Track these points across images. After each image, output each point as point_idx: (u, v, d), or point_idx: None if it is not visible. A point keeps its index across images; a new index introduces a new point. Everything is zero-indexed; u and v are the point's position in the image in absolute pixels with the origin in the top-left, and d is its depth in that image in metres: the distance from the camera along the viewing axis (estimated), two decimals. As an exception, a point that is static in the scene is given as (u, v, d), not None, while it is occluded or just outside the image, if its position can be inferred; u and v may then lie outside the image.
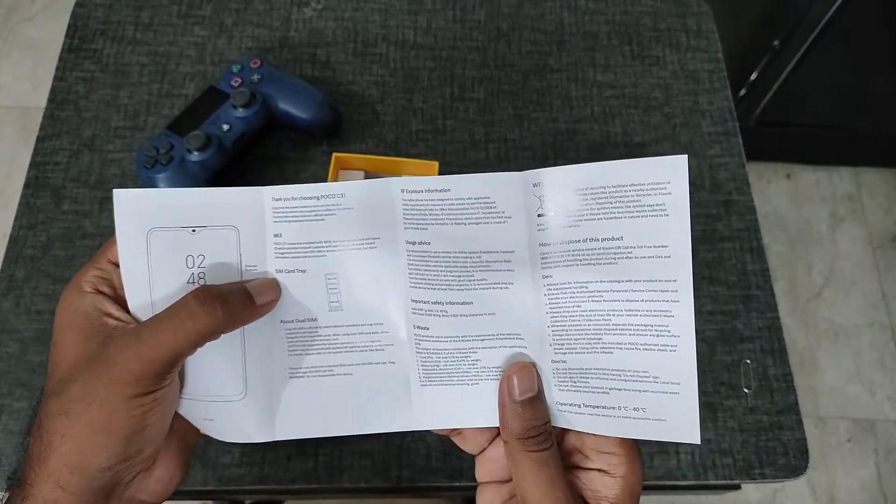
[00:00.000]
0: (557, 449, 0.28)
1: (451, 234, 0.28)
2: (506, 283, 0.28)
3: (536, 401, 0.28)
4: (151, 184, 0.49)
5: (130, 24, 0.60)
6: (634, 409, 0.27)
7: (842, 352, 1.24)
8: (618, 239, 0.26)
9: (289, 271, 0.29)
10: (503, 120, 0.57)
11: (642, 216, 0.26)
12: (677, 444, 0.46)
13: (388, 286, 0.29)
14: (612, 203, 0.26)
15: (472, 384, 0.29)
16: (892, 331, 1.26)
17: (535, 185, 0.27)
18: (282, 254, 0.29)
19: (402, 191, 0.28)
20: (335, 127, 0.54)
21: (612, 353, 0.27)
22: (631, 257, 0.26)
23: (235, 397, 0.30)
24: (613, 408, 0.28)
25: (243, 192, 0.29)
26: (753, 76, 1.12)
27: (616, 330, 0.27)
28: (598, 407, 0.28)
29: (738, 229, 0.53)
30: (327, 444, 0.45)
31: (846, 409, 1.20)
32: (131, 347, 0.25)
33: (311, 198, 0.28)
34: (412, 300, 0.29)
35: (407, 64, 0.59)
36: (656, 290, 0.26)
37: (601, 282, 0.27)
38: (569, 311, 0.28)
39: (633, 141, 0.56)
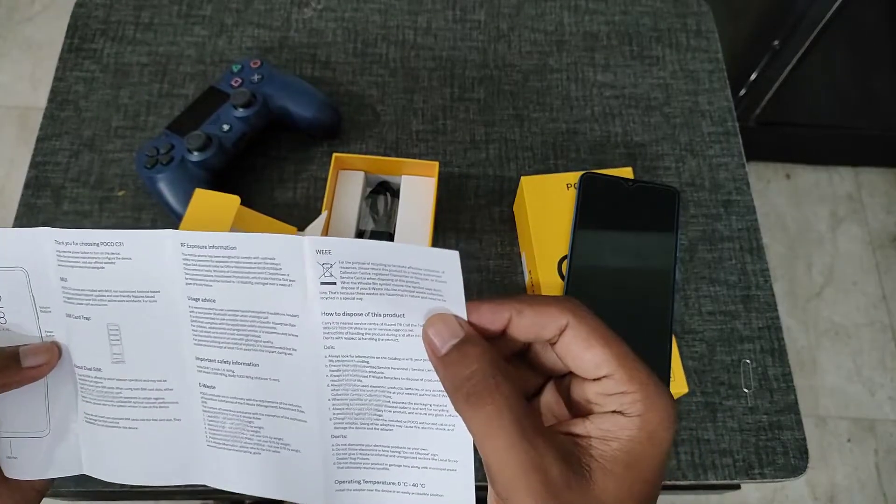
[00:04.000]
0: (522, 400, 0.23)
1: (236, 293, 0.27)
2: (290, 350, 0.27)
3: (463, 345, 0.24)
4: (152, 184, 0.49)
5: (131, 24, 0.60)
6: (413, 484, 0.27)
7: (842, 351, 1.24)
8: (400, 316, 0.26)
9: (75, 317, 0.29)
10: (503, 120, 0.57)
11: (422, 297, 0.25)
12: (677, 444, 0.46)
13: (170, 342, 0.28)
14: (393, 281, 0.25)
15: (254, 453, 0.28)
16: (892, 330, 1.26)
17: (320, 252, 0.26)
18: (68, 298, 0.28)
19: (183, 245, 0.27)
20: (335, 127, 0.54)
21: (392, 430, 0.27)
22: (412, 335, 0.26)
23: (40, 433, 0.30)
24: (393, 483, 0.27)
25: (27, 233, 0.28)
26: (753, 76, 1.12)
27: (396, 407, 0.27)
28: (378, 483, 0.27)
29: (738, 229, 0.54)
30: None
31: (846, 408, 1.20)
32: None
33: (91, 244, 0.27)
34: (197, 357, 0.28)
35: (407, 64, 0.59)
36: (432, 369, 0.26)
37: (382, 358, 0.26)
38: (350, 386, 0.27)
39: (633, 141, 0.56)
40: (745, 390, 0.48)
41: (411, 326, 0.26)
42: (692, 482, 0.46)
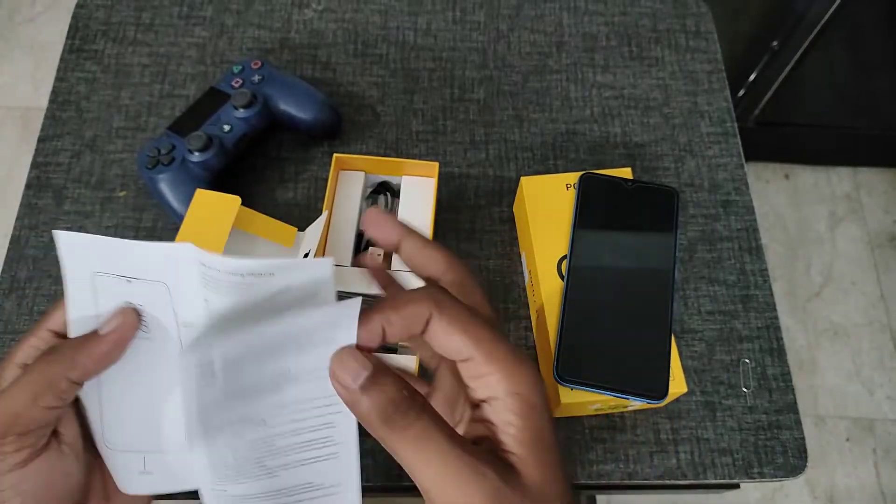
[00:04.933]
0: (432, 414, 0.24)
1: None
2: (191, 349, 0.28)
3: (376, 375, 0.24)
4: (153, 184, 0.49)
5: (131, 25, 0.60)
6: None
7: (841, 351, 1.24)
8: (281, 360, 0.25)
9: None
10: (503, 121, 0.57)
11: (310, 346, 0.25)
12: (676, 444, 0.47)
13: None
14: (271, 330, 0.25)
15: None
16: (891, 330, 1.26)
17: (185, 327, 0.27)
18: (210, 318, 0.28)
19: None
20: (336, 128, 0.55)
21: (277, 475, 0.27)
22: (296, 381, 0.25)
23: (178, 447, 0.29)
24: None
25: (172, 248, 0.27)
26: (752, 77, 1.12)
27: (280, 453, 0.26)
28: None
29: (737, 229, 0.54)
30: (328, 444, 0.46)
31: (845, 408, 1.20)
32: None
33: (236, 274, 0.26)
34: None
35: (407, 65, 0.59)
36: (319, 406, 0.26)
37: (266, 407, 0.26)
38: (230, 444, 0.27)
39: (633, 141, 0.57)
40: (745, 390, 0.49)
41: (291, 371, 0.25)
42: (691, 481, 0.46)
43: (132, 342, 0.29)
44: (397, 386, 0.24)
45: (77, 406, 0.30)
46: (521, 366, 0.24)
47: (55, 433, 0.29)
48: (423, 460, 0.23)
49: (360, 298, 0.25)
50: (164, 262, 0.28)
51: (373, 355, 0.25)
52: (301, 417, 0.26)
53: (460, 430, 0.27)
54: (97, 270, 0.28)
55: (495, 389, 0.24)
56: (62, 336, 0.29)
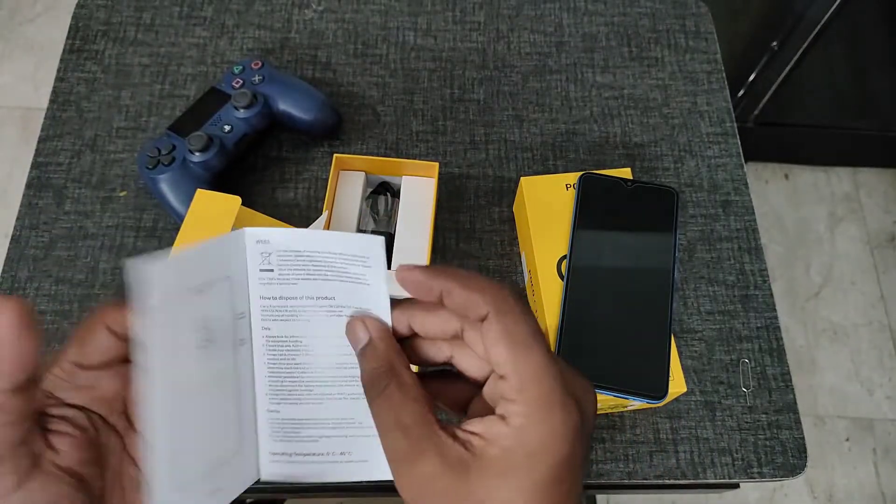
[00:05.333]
0: (416, 392, 0.25)
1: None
2: (242, 339, 0.28)
3: (370, 345, 0.26)
4: (154, 184, 0.49)
5: (132, 25, 0.60)
6: (341, 453, 0.28)
7: (840, 351, 1.24)
8: (330, 298, 0.28)
9: (266, 328, 0.29)
10: (503, 121, 0.57)
11: (349, 281, 0.27)
12: (676, 443, 0.47)
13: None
14: (325, 267, 0.28)
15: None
16: (891, 330, 1.26)
17: (259, 242, 0.28)
18: (264, 308, 0.29)
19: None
20: (336, 128, 0.55)
21: (322, 402, 0.29)
22: (341, 315, 0.28)
23: (232, 451, 0.28)
24: (322, 454, 0.28)
25: (231, 237, 0.27)
26: (752, 77, 1.12)
27: (327, 381, 0.29)
28: (307, 455, 0.29)
29: (737, 229, 0.54)
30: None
31: (844, 408, 1.20)
32: None
33: (291, 251, 0.28)
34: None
35: (407, 65, 0.59)
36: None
37: (314, 337, 0.29)
38: (284, 364, 0.29)
39: (632, 142, 0.57)
40: (744, 390, 0.49)
41: (340, 308, 0.28)
42: (691, 481, 0.46)
43: (197, 357, 0.27)
44: (384, 357, 0.26)
45: (89, 432, 0.26)
46: (554, 414, 0.23)
47: (45, 456, 0.24)
48: (379, 422, 0.25)
49: (381, 239, 0.27)
50: (226, 256, 0.28)
51: (378, 325, 0.27)
52: (344, 352, 0.28)
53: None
54: (168, 296, 0.25)
55: (512, 419, 0.23)
56: (86, 368, 0.26)
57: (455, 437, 0.24)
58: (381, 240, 0.27)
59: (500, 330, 0.24)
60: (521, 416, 0.23)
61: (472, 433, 0.24)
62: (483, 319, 0.24)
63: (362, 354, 0.26)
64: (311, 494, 0.54)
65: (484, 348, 0.25)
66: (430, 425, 0.24)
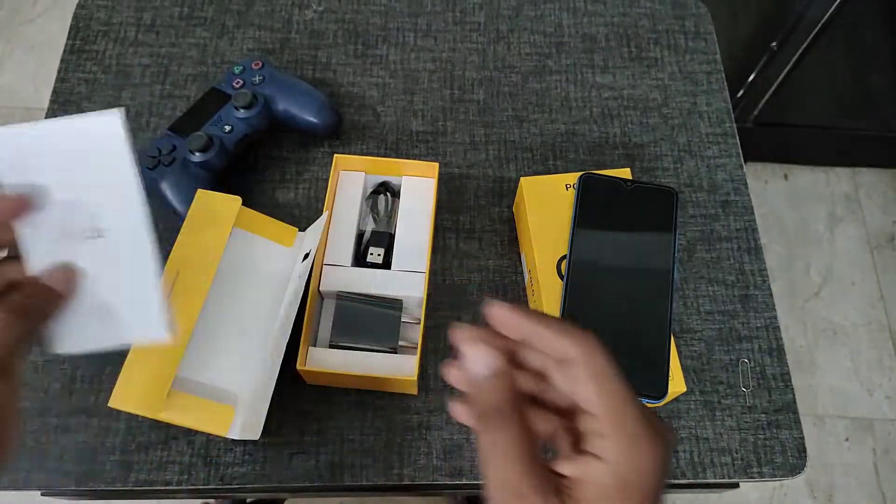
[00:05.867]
0: (523, 433, 0.26)
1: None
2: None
3: (496, 378, 0.27)
4: (154, 184, 0.49)
5: (132, 26, 0.60)
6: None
7: (840, 351, 1.24)
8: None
9: None
10: (503, 121, 0.57)
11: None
12: (675, 443, 0.47)
13: None
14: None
15: None
16: (890, 330, 1.26)
17: None
18: None
19: None
20: (336, 128, 0.55)
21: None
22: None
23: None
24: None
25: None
26: (751, 77, 1.12)
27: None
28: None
29: (737, 229, 0.54)
30: (329, 443, 0.46)
31: (844, 408, 1.20)
32: None
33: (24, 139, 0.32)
34: None
35: (407, 65, 0.60)
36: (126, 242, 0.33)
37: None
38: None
39: (632, 142, 0.57)
40: (744, 389, 0.49)
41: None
42: (691, 481, 0.46)
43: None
44: (505, 393, 0.27)
45: None
46: (646, 445, 0.25)
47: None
48: (491, 459, 0.25)
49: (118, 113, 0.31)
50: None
51: (502, 357, 0.27)
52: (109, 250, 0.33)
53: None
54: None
55: (607, 453, 0.25)
56: None
57: (554, 481, 0.25)
58: (117, 114, 0.30)
59: (589, 372, 0.26)
60: (615, 453, 0.25)
61: (563, 476, 0.26)
62: (569, 362, 0.26)
63: (489, 384, 0.27)
64: (310, 494, 0.54)
65: (570, 387, 0.26)
66: (535, 467, 0.25)
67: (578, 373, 0.26)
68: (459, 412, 0.27)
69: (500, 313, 0.28)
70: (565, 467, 0.26)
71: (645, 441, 0.25)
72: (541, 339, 0.27)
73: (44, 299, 0.32)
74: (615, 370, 0.26)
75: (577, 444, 0.26)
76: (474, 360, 0.27)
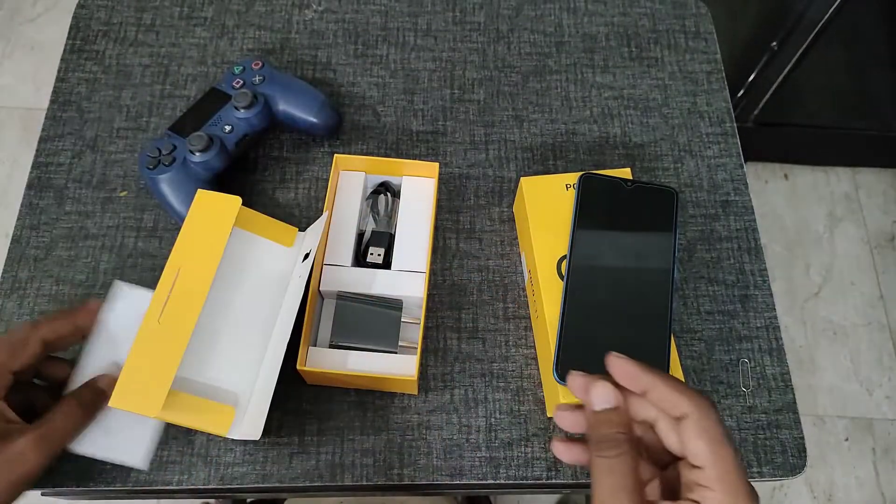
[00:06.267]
0: (636, 466, 0.29)
1: None
2: None
3: (615, 411, 0.31)
4: (154, 184, 0.49)
5: (132, 26, 0.60)
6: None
7: (840, 351, 1.24)
8: None
9: None
10: (503, 121, 0.57)
11: None
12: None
13: None
14: None
15: None
16: (890, 330, 1.26)
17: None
18: None
19: None
20: (336, 128, 0.55)
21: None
22: None
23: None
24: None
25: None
26: (752, 77, 1.12)
27: None
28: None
29: (737, 229, 0.54)
30: (329, 443, 0.46)
31: (844, 407, 1.20)
32: None
33: None
34: None
35: (407, 65, 0.60)
36: None
37: None
38: None
39: (632, 142, 0.57)
40: (744, 389, 0.49)
41: None
42: (691, 480, 0.46)
43: None
44: (621, 426, 0.30)
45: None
46: (739, 500, 0.28)
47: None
48: (603, 483, 0.29)
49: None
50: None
51: (621, 396, 0.31)
52: None
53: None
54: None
55: (707, 502, 0.28)
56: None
57: None
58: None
59: (701, 428, 0.29)
60: (717, 502, 0.28)
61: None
62: (682, 417, 0.30)
63: (606, 415, 0.31)
64: (310, 494, 0.54)
65: (680, 441, 0.30)
66: (644, 498, 0.29)
67: (691, 427, 0.29)
68: (562, 451, 0.32)
69: (623, 364, 0.31)
70: None
71: (743, 497, 0.28)
72: (659, 392, 0.30)
73: (102, 399, 0.40)
74: (724, 430, 0.29)
75: (674, 495, 0.30)
76: (598, 395, 0.31)
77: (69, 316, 0.41)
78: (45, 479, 0.44)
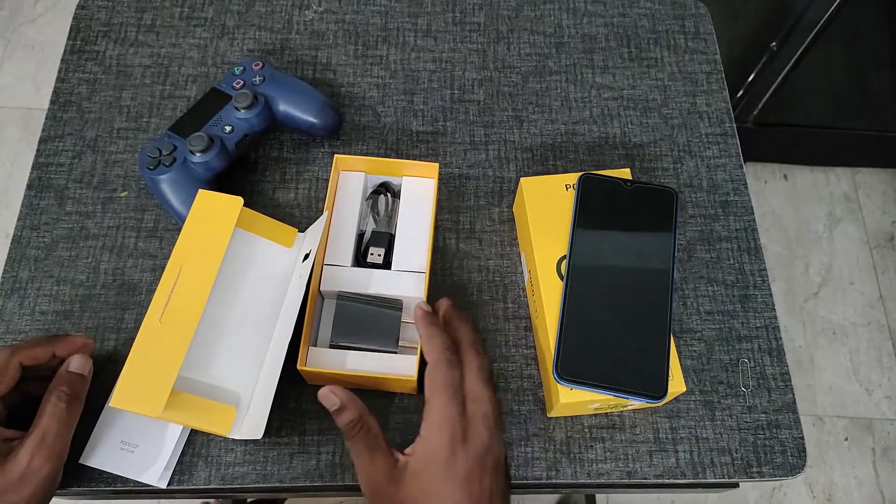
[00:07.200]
0: (378, 434, 0.39)
1: None
2: None
3: (341, 409, 0.40)
4: (154, 185, 0.49)
5: (132, 26, 0.60)
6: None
7: (839, 351, 1.25)
8: None
9: None
10: (503, 121, 0.57)
11: None
12: (675, 443, 0.47)
13: None
14: None
15: None
16: (890, 330, 1.27)
17: None
18: None
19: None
20: (336, 128, 0.55)
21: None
22: None
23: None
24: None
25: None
26: (751, 77, 1.13)
27: None
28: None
29: (736, 230, 0.54)
30: (329, 443, 0.46)
31: (844, 407, 1.21)
32: None
33: None
34: None
35: (407, 66, 0.60)
36: None
37: None
38: None
39: (632, 142, 0.57)
40: (744, 389, 0.49)
41: None
42: (690, 480, 0.46)
43: None
44: (352, 416, 0.40)
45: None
46: (440, 432, 0.38)
47: None
48: (356, 460, 0.39)
49: None
50: None
51: (347, 393, 0.41)
52: None
53: None
54: None
55: (419, 440, 0.39)
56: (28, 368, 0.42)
57: (395, 458, 0.39)
58: None
59: (427, 379, 0.40)
60: (424, 434, 0.39)
61: (403, 453, 0.39)
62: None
63: (337, 413, 0.40)
64: (311, 494, 0.54)
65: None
66: (382, 450, 0.39)
67: (425, 379, 0.40)
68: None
69: (416, 316, 0.43)
70: (408, 449, 0.39)
71: (439, 430, 0.38)
72: (423, 349, 0.42)
73: (81, 383, 0.42)
74: (439, 383, 0.39)
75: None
76: (324, 400, 0.40)
77: (50, 344, 0.42)
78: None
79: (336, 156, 0.49)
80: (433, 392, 0.39)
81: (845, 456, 1.17)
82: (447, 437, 0.37)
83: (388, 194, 0.51)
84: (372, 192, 0.52)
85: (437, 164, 0.49)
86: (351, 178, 0.51)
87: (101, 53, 0.59)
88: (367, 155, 0.55)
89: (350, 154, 0.54)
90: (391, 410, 0.47)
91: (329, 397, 0.40)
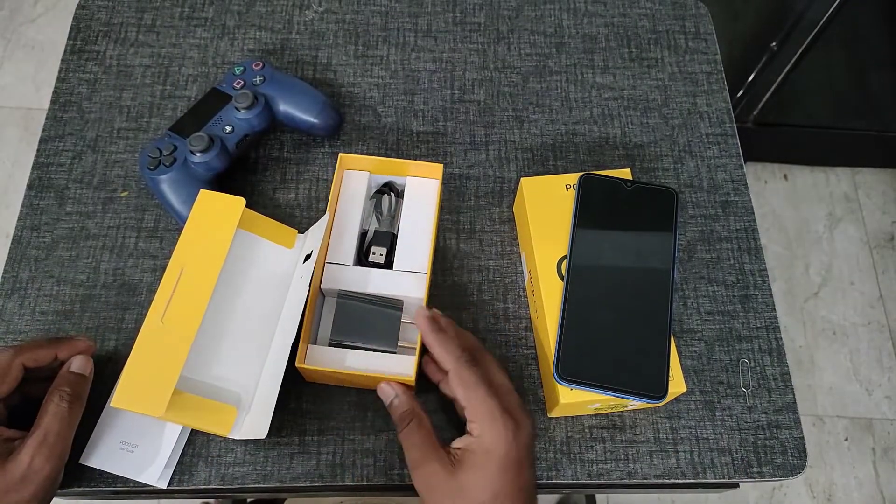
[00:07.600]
0: (428, 426, 0.41)
1: None
2: None
3: (397, 398, 0.42)
4: (155, 185, 0.49)
5: (133, 26, 0.60)
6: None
7: (839, 351, 1.25)
8: None
9: None
10: (503, 122, 0.57)
11: None
12: (676, 443, 0.47)
13: None
14: None
15: None
16: (890, 330, 1.27)
17: None
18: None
19: None
20: (337, 128, 0.55)
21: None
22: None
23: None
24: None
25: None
26: (751, 77, 1.12)
27: None
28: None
29: (736, 230, 0.54)
30: (330, 443, 0.46)
31: (844, 408, 1.21)
32: None
33: None
34: None
35: (407, 66, 0.60)
36: None
37: None
38: None
39: (632, 142, 0.57)
40: (744, 389, 0.49)
41: None
42: (691, 481, 0.46)
43: None
44: (405, 406, 0.42)
45: None
46: (498, 426, 0.38)
47: None
48: (406, 448, 0.41)
49: None
50: None
51: (400, 386, 0.43)
52: None
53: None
54: None
55: (474, 430, 0.39)
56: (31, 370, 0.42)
57: (448, 452, 0.39)
58: None
59: (458, 378, 0.40)
60: (477, 430, 0.39)
61: (456, 448, 0.40)
62: (447, 372, 0.41)
63: (391, 405, 0.42)
64: (311, 494, 0.54)
65: (450, 390, 0.42)
66: (433, 445, 0.40)
67: (452, 379, 0.40)
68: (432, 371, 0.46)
69: (421, 324, 0.43)
70: (457, 442, 0.40)
71: (497, 423, 0.38)
72: (436, 355, 0.42)
73: (82, 383, 0.42)
74: (480, 377, 0.40)
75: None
76: (381, 393, 0.43)
77: (52, 346, 0.42)
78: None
79: (340, 155, 0.49)
80: (467, 390, 0.39)
81: (845, 456, 1.17)
82: (500, 430, 0.38)
83: (392, 194, 0.51)
84: (376, 192, 0.52)
85: (441, 165, 0.49)
86: (355, 177, 0.51)
87: (102, 53, 0.59)
88: (367, 155, 0.55)
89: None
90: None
91: (385, 390, 0.42)
